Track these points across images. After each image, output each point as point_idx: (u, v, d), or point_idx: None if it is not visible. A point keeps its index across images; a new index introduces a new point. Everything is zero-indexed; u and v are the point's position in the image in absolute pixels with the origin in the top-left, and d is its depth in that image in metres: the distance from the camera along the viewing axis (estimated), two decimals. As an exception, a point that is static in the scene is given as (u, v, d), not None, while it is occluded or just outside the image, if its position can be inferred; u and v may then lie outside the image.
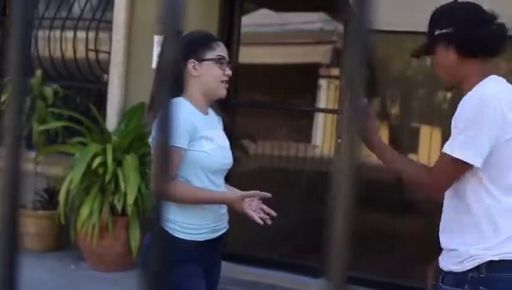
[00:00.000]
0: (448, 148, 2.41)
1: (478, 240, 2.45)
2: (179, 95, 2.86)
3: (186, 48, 2.90)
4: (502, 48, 2.55)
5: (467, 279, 2.45)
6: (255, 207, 2.86)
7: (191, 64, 2.89)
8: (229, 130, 3.24)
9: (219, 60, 2.92)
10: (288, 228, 6.36)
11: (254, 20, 6.79)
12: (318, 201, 6.27)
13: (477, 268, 2.44)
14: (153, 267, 0.71)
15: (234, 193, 2.98)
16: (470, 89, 2.46)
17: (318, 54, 6.73)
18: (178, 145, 2.74)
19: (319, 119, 6.64)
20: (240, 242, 6.29)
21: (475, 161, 2.37)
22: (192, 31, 3.01)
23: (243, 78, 6.51)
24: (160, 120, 0.72)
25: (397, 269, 5.96)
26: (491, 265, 2.43)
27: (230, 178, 6.15)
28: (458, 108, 2.44)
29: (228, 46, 6.33)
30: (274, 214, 2.89)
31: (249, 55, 6.69)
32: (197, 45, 2.92)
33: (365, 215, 6.11)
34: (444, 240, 2.57)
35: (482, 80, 2.48)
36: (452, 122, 2.46)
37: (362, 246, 6.14)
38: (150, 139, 2.84)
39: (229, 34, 6.35)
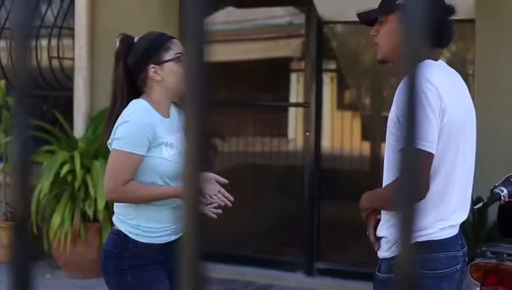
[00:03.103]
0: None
1: None
2: (137, 97, 2.82)
3: (142, 54, 2.83)
4: (450, 42, 2.59)
5: None
6: (213, 191, 2.83)
7: (152, 69, 2.82)
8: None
9: (179, 58, 2.83)
10: (263, 224, 6.37)
11: (222, 18, 6.77)
12: (292, 195, 6.28)
13: None
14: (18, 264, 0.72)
15: None
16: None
17: (288, 48, 6.73)
18: (135, 152, 2.71)
19: (290, 113, 6.65)
20: (214, 240, 6.28)
21: (433, 149, 2.37)
22: (143, 35, 2.93)
23: (216, 76, 6.49)
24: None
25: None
26: (419, 247, 2.43)
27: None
28: (396, 96, 2.43)
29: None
30: (231, 198, 2.86)
31: (216, 53, 6.67)
32: (152, 49, 2.84)
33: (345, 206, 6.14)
34: (379, 228, 2.59)
35: None
36: (391, 113, 2.45)
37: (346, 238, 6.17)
38: (109, 141, 2.81)
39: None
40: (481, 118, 5.09)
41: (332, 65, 6.48)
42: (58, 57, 6.86)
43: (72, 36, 6.69)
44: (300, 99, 6.31)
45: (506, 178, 3.61)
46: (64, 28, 6.84)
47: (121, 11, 6.31)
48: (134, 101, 2.80)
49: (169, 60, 2.83)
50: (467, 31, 5.48)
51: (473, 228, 4.83)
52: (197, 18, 0.64)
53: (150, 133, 2.73)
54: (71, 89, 6.66)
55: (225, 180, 2.90)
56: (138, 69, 2.83)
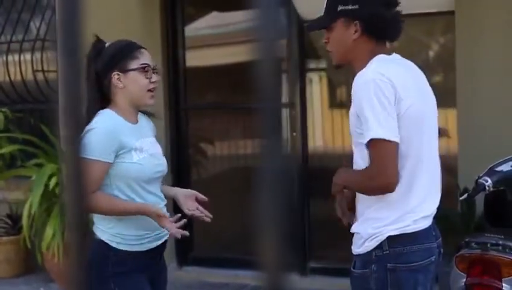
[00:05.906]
0: (371, 134, 2.36)
1: (376, 220, 2.47)
2: (105, 107, 2.84)
3: (108, 60, 2.84)
4: (399, 34, 2.60)
5: (372, 259, 2.47)
6: (192, 207, 2.87)
7: (116, 76, 2.83)
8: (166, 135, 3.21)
9: (144, 69, 2.85)
10: (253, 226, 6.35)
11: (207, 23, 6.77)
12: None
13: (380, 246, 2.45)
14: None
15: (176, 192, 2.99)
16: (360, 68, 2.47)
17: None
18: (100, 159, 2.70)
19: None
20: (206, 245, 6.28)
21: (396, 137, 2.37)
22: (114, 41, 2.94)
23: (202, 81, 6.51)
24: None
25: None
26: (392, 240, 2.45)
27: (193, 181, 6.14)
28: (352, 92, 2.44)
29: (174, 51, 6.32)
30: (210, 215, 2.89)
31: (200, 58, 6.67)
32: (119, 56, 2.85)
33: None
34: (353, 225, 2.60)
35: (370, 59, 2.49)
36: (352, 109, 2.45)
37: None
38: None
39: (174, 39, 6.33)
40: (463, 109, 5.14)
41: (316, 64, 6.48)
42: (43, 70, 6.84)
43: (56, 48, 6.66)
44: (286, 100, 6.31)
45: (490, 168, 3.61)
46: (48, 40, 6.83)
47: (102, 20, 6.29)
48: (100, 111, 2.81)
49: (134, 69, 2.84)
50: (447, 22, 5.49)
51: (461, 219, 4.83)
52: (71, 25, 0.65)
53: (115, 139, 2.74)
54: (57, 101, 6.64)
55: (204, 198, 2.93)
56: (104, 75, 2.84)
